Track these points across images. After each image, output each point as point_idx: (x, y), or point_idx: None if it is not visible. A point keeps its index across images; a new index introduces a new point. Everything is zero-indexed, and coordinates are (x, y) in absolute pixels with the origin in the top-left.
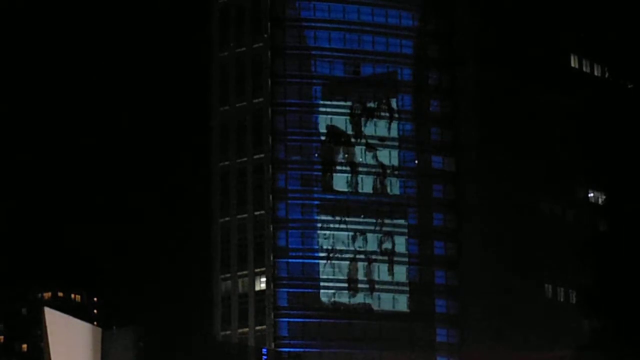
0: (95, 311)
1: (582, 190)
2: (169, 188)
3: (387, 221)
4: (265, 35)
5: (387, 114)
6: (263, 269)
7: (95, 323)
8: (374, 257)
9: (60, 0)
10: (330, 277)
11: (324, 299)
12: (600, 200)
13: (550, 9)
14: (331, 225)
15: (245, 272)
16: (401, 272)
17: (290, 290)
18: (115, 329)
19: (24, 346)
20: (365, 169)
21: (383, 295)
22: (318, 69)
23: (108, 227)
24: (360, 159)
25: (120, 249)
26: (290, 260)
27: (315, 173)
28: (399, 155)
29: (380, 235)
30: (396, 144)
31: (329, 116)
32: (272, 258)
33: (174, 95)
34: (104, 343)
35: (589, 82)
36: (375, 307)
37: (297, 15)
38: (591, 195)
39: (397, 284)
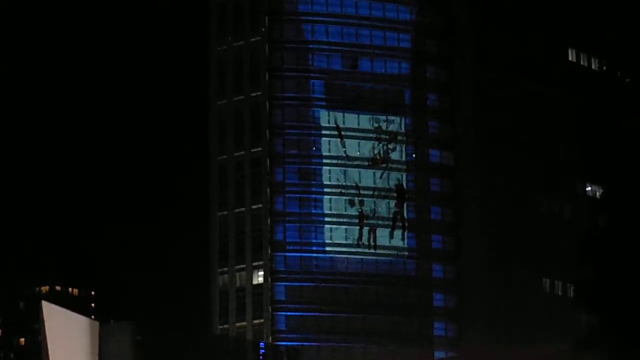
0: (92, 305)
1: (580, 184)
2: (167, 182)
3: (384, 214)
4: (263, 29)
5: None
6: (261, 262)
7: (92, 317)
8: (372, 250)
9: None
10: (328, 271)
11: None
12: (598, 194)
13: (547, 2)
14: (328, 219)
15: (243, 266)
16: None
17: (288, 284)
18: (113, 323)
19: (22, 340)
20: (362, 162)
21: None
22: (316, 63)
23: (105, 221)
24: (358, 153)
25: (118, 243)
26: (287, 254)
27: (313, 167)
28: (397, 148)
29: (377, 228)
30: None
31: (326, 110)
32: (269, 252)
33: (171, 89)
34: (102, 337)
35: (587, 76)
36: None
37: (294, 9)
38: (589, 189)
39: (395, 277)
